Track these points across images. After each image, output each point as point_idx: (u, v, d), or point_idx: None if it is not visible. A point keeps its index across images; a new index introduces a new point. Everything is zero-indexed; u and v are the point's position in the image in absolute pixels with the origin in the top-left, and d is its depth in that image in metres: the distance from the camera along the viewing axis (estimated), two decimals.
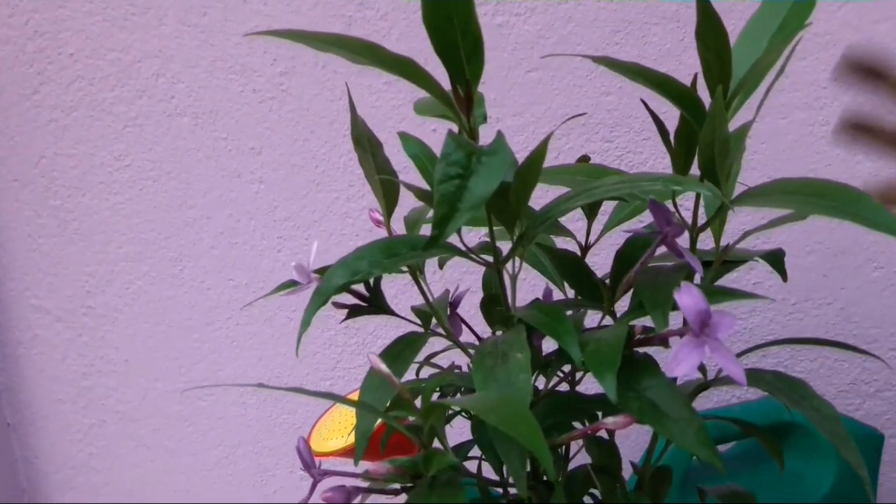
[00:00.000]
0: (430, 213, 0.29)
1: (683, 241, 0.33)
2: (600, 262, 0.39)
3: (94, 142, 0.72)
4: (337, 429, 0.53)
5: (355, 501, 0.30)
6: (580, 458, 0.39)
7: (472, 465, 0.35)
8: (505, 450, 0.26)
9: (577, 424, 0.35)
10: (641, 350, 0.31)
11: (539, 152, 0.27)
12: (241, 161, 0.71)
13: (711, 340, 0.28)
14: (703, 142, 0.31)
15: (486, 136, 0.30)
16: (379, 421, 0.48)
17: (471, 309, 0.41)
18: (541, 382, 0.37)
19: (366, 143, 0.29)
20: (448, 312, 0.39)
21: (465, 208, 0.27)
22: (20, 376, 0.77)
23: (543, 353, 0.36)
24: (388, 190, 0.30)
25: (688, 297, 0.27)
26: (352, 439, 0.36)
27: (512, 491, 0.36)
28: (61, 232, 0.74)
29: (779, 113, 0.67)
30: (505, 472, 0.35)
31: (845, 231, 0.67)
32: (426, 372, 0.41)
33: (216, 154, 0.71)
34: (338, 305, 0.34)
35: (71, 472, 0.79)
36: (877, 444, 0.59)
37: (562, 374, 0.38)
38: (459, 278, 0.53)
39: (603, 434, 0.38)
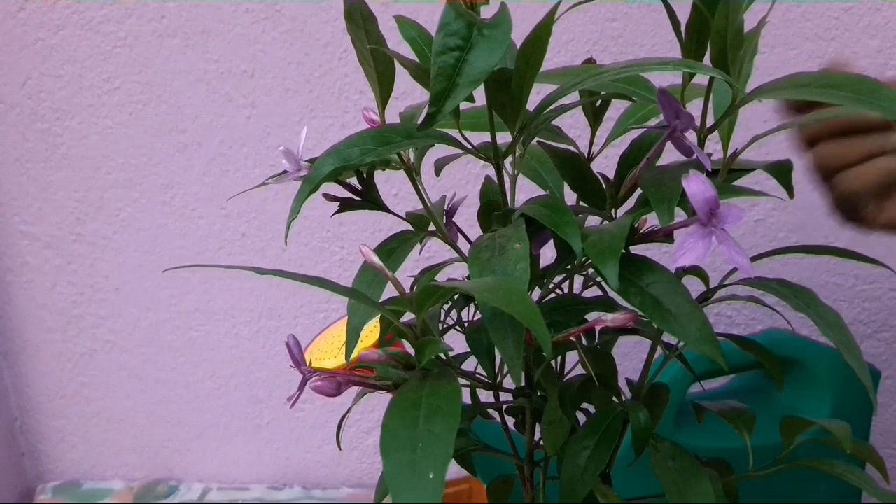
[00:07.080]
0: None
1: (691, 139, 0.31)
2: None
3: (82, 62, 0.69)
4: (330, 349, 0.53)
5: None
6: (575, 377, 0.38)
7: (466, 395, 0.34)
8: (500, 337, 0.26)
9: None
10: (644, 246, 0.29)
11: (545, 24, 0.26)
12: (233, 84, 0.69)
13: (719, 231, 0.27)
14: (716, 29, 0.29)
15: None
16: (373, 341, 0.48)
17: (468, 225, 0.40)
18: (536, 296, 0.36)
19: (358, 16, 0.27)
20: (444, 220, 0.38)
21: (465, 83, 0.25)
22: (10, 304, 0.76)
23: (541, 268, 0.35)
24: (382, 72, 0.29)
25: (696, 184, 0.26)
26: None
27: (503, 397, 0.35)
28: (49, 156, 0.72)
29: (787, 44, 0.65)
30: (498, 378, 0.34)
31: None
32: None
33: (207, 77, 0.69)
34: (329, 198, 0.32)
35: (62, 401, 0.79)
36: (872, 381, 0.59)
37: (557, 286, 0.37)
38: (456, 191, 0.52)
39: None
